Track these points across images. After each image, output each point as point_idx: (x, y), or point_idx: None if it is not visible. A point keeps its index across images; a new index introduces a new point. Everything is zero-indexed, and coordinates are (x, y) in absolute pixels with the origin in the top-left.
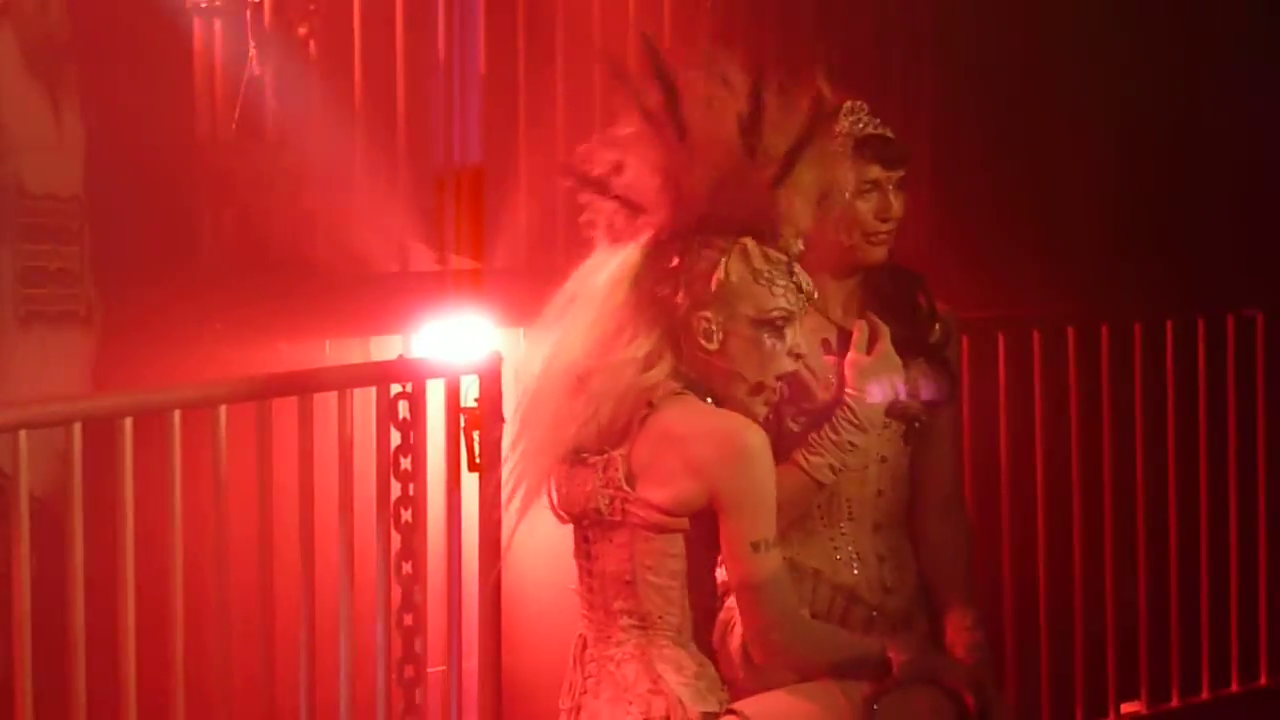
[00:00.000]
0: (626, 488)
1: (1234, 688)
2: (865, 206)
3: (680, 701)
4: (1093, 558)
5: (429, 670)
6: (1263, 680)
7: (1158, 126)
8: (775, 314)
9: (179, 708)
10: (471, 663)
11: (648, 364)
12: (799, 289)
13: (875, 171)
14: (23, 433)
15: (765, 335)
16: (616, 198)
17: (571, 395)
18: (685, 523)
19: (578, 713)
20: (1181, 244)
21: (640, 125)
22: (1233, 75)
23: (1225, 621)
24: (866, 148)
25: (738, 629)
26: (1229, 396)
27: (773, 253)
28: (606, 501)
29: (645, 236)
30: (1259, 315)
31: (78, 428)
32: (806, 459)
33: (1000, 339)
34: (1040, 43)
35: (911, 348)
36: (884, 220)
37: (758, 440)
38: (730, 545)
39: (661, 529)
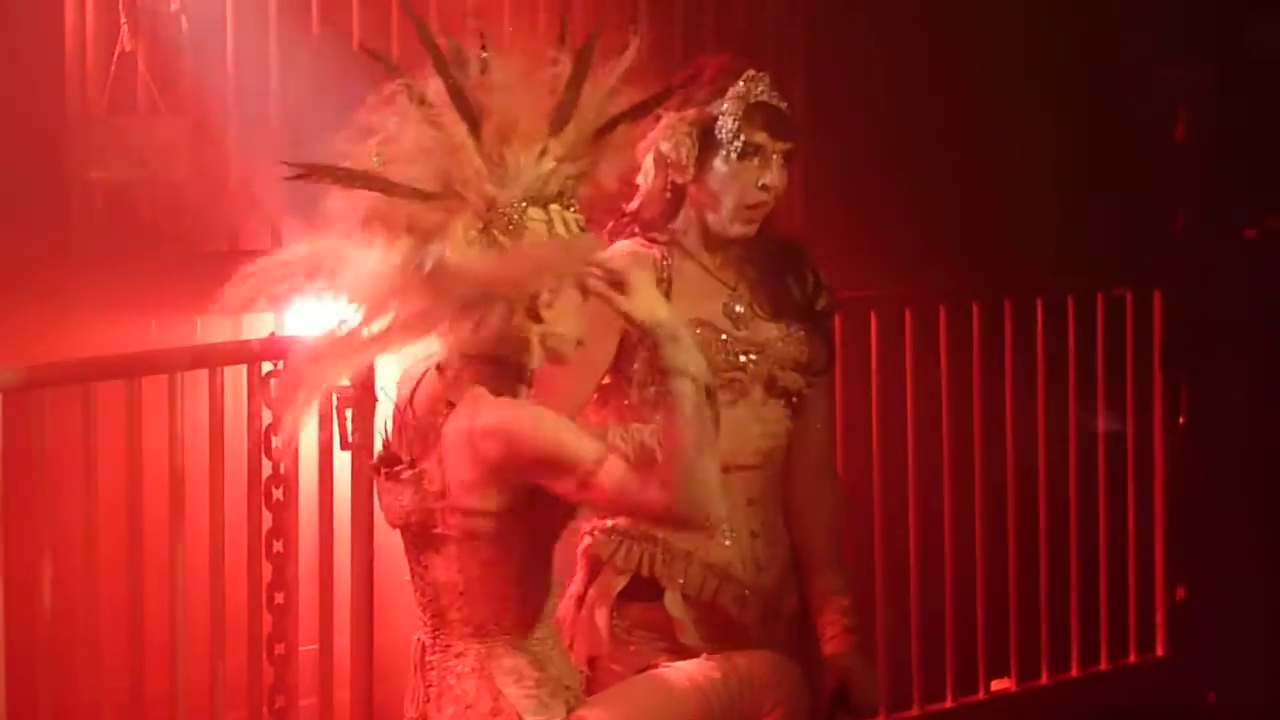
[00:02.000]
0: (445, 499)
1: (1103, 665)
2: (747, 170)
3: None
4: (963, 534)
5: (300, 648)
6: (1131, 658)
7: (1032, 107)
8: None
9: (46, 688)
10: (343, 641)
11: (462, 362)
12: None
13: (761, 138)
14: None
15: (580, 297)
16: (402, 189)
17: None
18: (513, 522)
19: None
20: (1052, 225)
21: (424, 108)
22: (1109, 59)
23: (1094, 599)
24: (757, 113)
25: (606, 601)
26: (1098, 374)
27: (576, 216)
28: (426, 515)
29: (451, 221)
30: (1128, 295)
31: None
32: None
33: (872, 317)
34: (917, 23)
35: (797, 316)
36: (762, 189)
37: (520, 411)
38: (574, 498)
39: (490, 537)
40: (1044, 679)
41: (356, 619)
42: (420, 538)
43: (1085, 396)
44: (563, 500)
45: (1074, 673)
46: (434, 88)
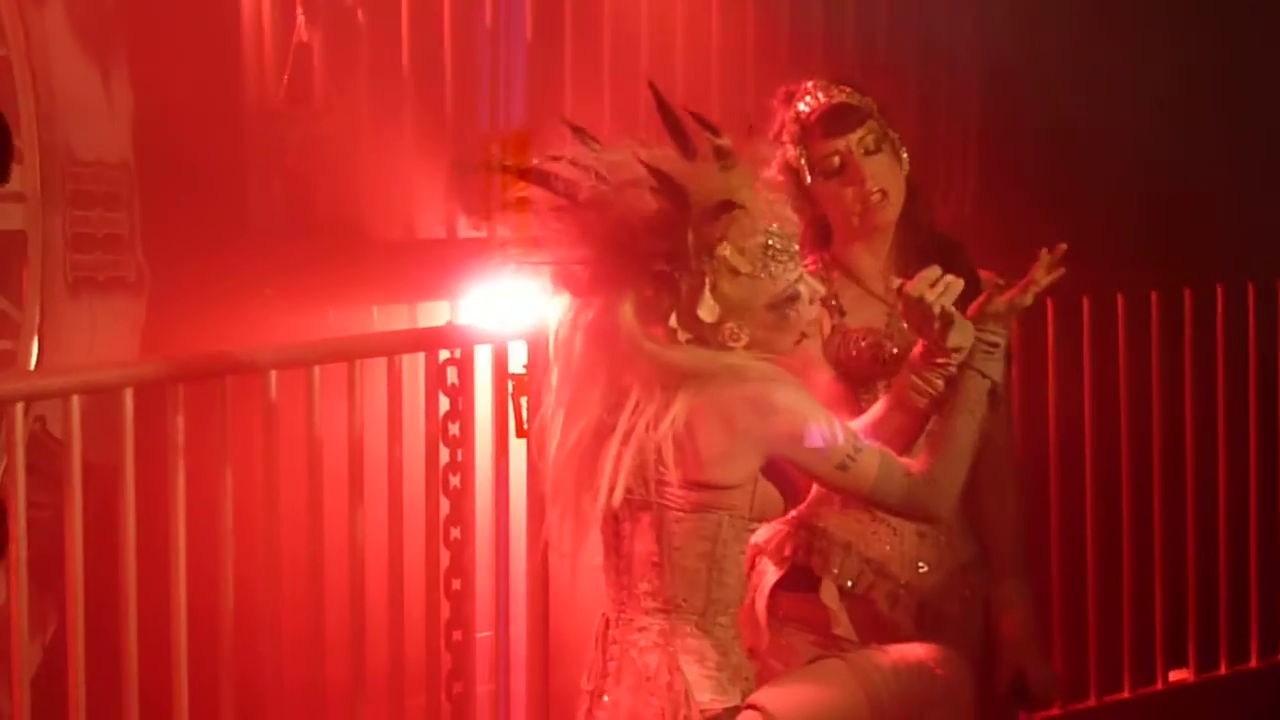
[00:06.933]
0: (663, 468)
1: None
2: (838, 183)
3: (687, 697)
4: (1140, 525)
5: (478, 635)
6: None
7: (1165, 99)
8: (788, 290)
9: (229, 670)
10: (519, 628)
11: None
12: (787, 247)
13: (828, 145)
14: (75, 398)
15: (785, 309)
16: (569, 258)
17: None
18: (731, 498)
19: (599, 697)
20: (1177, 216)
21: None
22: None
23: (1274, 589)
24: (814, 127)
25: (763, 590)
26: (1278, 363)
27: (749, 242)
28: (641, 482)
29: (624, 293)
30: (1249, 285)
31: (129, 393)
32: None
33: (1049, 309)
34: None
35: None
36: (859, 184)
37: (781, 389)
38: (824, 482)
39: (699, 507)
40: (1223, 669)
41: (533, 605)
42: (623, 506)
43: (1267, 384)
44: (794, 492)
45: (1253, 663)
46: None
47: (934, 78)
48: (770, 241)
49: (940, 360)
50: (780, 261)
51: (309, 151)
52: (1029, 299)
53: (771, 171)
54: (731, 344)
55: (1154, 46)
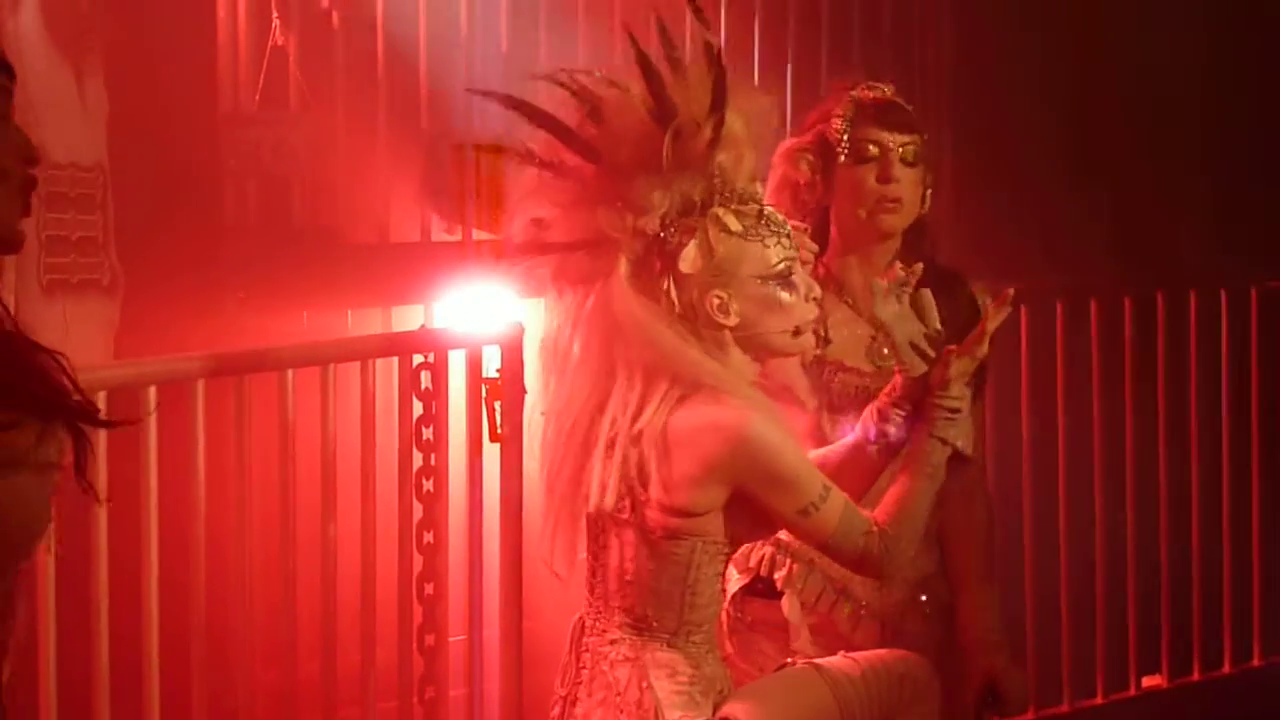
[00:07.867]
0: (640, 488)
1: (1256, 661)
2: (866, 170)
3: (657, 715)
4: (1114, 531)
5: (450, 639)
6: None
7: (1182, 96)
8: (779, 265)
9: (200, 674)
10: (492, 632)
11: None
12: (782, 225)
13: (874, 133)
14: None
15: (777, 289)
16: (563, 245)
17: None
18: (703, 525)
19: (572, 704)
20: (1206, 216)
21: (545, 168)
22: (1258, 46)
23: (1247, 595)
24: (866, 110)
25: (727, 597)
26: (1252, 370)
27: (743, 209)
28: (617, 498)
29: (619, 261)
30: None
31: (102, 396)
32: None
33: (1023, 311)
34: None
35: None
36: (885, 182)
37: (758, 422)
38: (783, 522)
39: (672, 534)
40: (1196, 675)
41: (505, 610)
42: (604, 518)
43: (1239, 392)
44: (768, 521)
45: (1227, 669)
46: (541, 139)
47: (908, 81)
48: (766, 211)
49: (896, 411)
50: (774, 233)
51: (284, 155)
52: (984, 348)
53: (804, 138)
54: (720, 317)
55: (1128, 50)
